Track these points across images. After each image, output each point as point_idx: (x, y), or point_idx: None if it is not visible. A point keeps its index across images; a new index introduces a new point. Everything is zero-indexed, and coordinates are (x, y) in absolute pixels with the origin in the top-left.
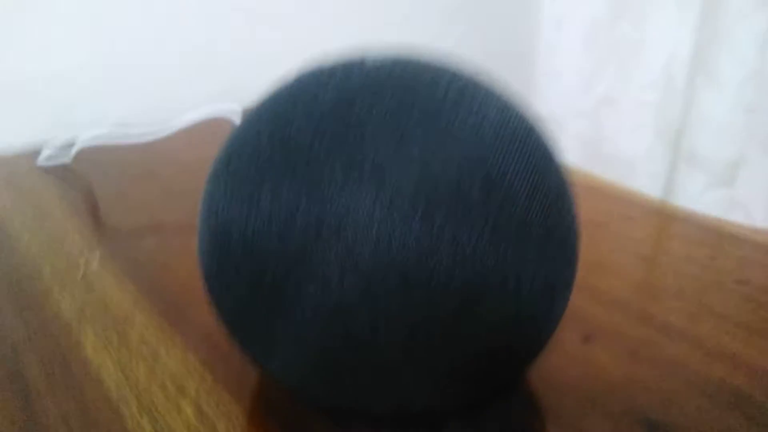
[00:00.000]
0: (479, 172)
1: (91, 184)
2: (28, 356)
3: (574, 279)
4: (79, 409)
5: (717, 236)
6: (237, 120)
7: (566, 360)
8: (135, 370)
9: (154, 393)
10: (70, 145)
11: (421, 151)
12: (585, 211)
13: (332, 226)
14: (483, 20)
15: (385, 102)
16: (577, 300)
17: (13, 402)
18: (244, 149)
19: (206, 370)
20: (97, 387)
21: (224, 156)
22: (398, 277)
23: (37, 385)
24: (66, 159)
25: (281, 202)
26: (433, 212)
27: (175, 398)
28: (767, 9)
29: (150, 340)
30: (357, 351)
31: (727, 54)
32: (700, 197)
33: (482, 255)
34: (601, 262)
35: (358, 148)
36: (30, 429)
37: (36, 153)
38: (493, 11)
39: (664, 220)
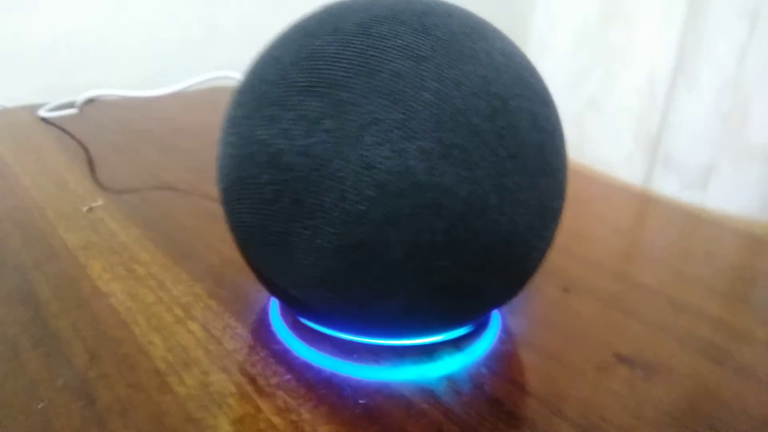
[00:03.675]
0: (486, 99)
1: (89, 140)
2: (39, 280)
3: (561, 211)
4: (91, 326)
5: (689, 217)
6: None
7: (547, 306)
8: (143, 297)
9: (163, 316)
10: (71, 104)
11: (434, 73)
12: (568, 190)
13: (350, 140)
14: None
15: (405, 24)
16: (557, 260)
17: (27, 320)
18: (267, 71)
19: (211, 298)
20: (107, 309)
21: (249, 78)
22: (409, 185)
23: (48, 306)
24: (66, 114)
25: (304, 122)
26: (443, 132)
27: (183, 320)
28: (748, 21)
29: (156, 273)
30: (369, 252)
31: (708, 62)
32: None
33: (483, 175)
34: (581, 232)
35: (378, 61)
36: (44, 344)
37: (37, 108)
38: (487, 8)
39: (641, 201)
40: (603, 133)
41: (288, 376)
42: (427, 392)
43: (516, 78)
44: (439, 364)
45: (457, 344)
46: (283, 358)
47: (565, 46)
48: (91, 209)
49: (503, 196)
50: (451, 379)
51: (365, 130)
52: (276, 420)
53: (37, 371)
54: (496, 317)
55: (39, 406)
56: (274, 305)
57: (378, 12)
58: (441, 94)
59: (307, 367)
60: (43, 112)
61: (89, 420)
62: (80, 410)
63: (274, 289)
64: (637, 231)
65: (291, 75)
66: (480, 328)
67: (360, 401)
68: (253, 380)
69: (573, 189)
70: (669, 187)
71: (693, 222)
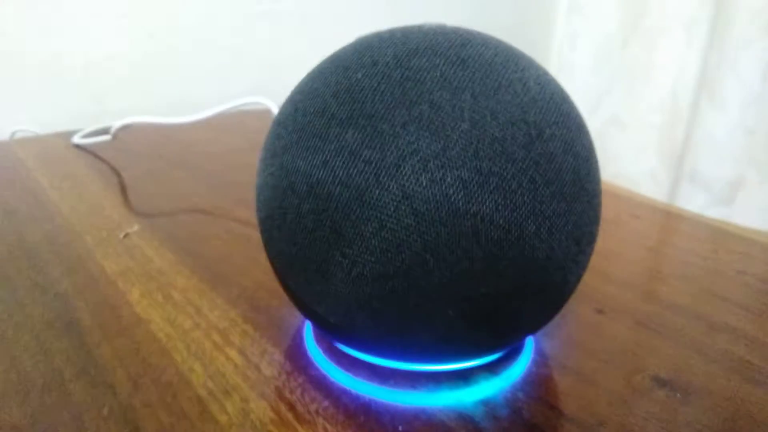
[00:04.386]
0: (522, 128)
1: (123, 166)
2: (79, 308)
3: (596, 235)
4: (134, 353)
5: (719, 234)
6: (271, 111)
7: (581, 328)
8: (181, 323)
9: (201, 342)
10: (105, 130)
11: (471, 103)
12: None
13: (390, 170)
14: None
15: (441, 56)
16: (589, 280)
17: (71, 348)
18: (308, 102)
19: (248, 324)
20: (148, 336)
21: (289, 110)
22: (447, 213)
23: (92, 333)
24: (99, 142)
25: (344, 152)
26: (481, 161)
27: (221, 346)
28: None
29: (193, 299)
30: (407, 279)
31: (731, 78)
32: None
33: (520, 203)
34: (611, 251)
35: (417, 94)
36: (89, 373)
37: (72, 135)
38: (509, 29)
39: (669, 219)
40: (627, 150)
41: (326, 403)
42: (465, 417)
43: (551, 106)
44: (475, 389)
45: (492, 368)
46: (320, 383)
47: (587, 63)
48: (127, 235)
49: (540, 223)
50: (488, 404)
51: (404, 160)
52: None
53: (83, 400)
54: (530, 341)
55: None
56: (308, 329)
57: (415, 44)
58: (478, 123)
59: (345, 393)
60: (77, 139)
61: None
62: None
63: (311, 315)
64: (667, 249)
65: (331, 107)
66: (514, 351)
67: (399, 428)
68: (292, 407)
69: (602, 208)
70: (695, 203)
71: (722, 238)
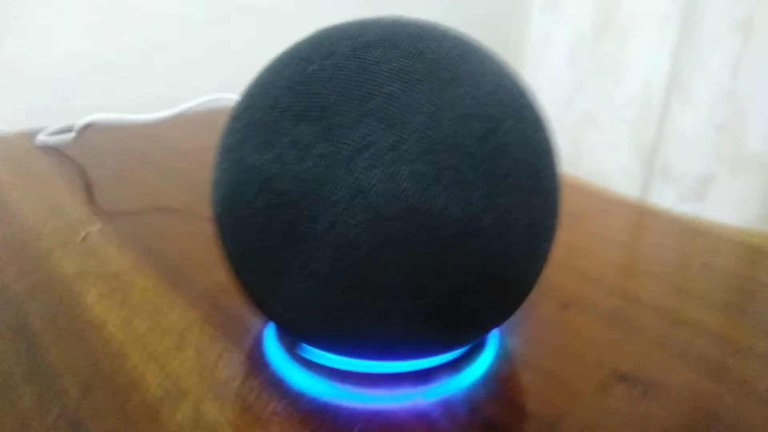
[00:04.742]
0: (477, 121)
1: (88, 165)
2: (32, 311)
3: (555, 230)
4: (86, 357)
5: (686, 228)
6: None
7: (545, 323)
8: (138, 324)
9: (158, 344)
10: (69, 128)
11: (427, 96)
12: (563, 203)
13: (343, 164)
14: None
15: (398, 48)
16: (554, 275)
17: (20, 352)
18: (262, 95)
19: (208, 324)
20: (102, 339)
21: (243, 104)
22: (402, 208)
23: (42, 337)
24: (63, 140)
25: (297, 147)
26: (436, 154)
27: (178, 348)
28: (741, 33)
29: (151, 299)
30: (362, 275)
31: (702, 75)
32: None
33: (476, 197)
34: (577, 246)
35: (373, 86)
36: (38, 377)
37: (34, 134)
38: (483, 25)
39: (638, 214)
40: (599, 146)
41: (283, 403)
42: (423, 417)
43: (508, 99)
44: (435, 388)
45: (453, 367)
46: (278, 384)
47: (560, 60)
48: (86, 236)
49: (496, 217)
50: (446, 403)
51: (358, 153)
52: None
53: (30, 405)
54: (493, 336)
55: None
56: (269, 330)
57: (372, 37)
58: (434, 116)
59: (303, 394)
60: (41, 137)
61: None
62: None
63: (269, 313)
64: (635, 244)
65: (285, 100)
66: (477, 348)
67: (355, 428)
68: (248, 408)
69: (570, 203)
70: (667, 198)
71: (690, 234)
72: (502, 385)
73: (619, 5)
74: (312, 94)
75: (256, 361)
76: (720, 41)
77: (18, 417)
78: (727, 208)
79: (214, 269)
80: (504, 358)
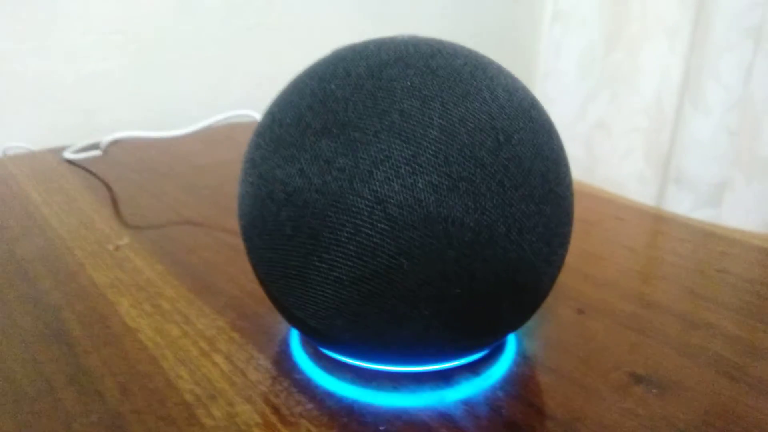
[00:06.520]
0: (490, 134)
1: (113, 180)
2: (70, 319)
3: (569, 237)
4: (122, 361)
5: (701, 234)
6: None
7: (562, 328)
8: (169, 331)
9: (188, 349)
10: (95, 145)
11: (441, 111)
12: (578, 212)
13: (363, 177)
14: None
15: (412, 67)
16: (570, 281)
17: (63, 357)
18: (285, 113)
19: (235, 331)
20: (136, 344)
21: (267, 121)
22: (419, 217)
23: (81, 343)
24: (90, 157)
25: (319, 161)
26: (450, 166)
27: (208, 353)
28: (751, 40)
29: (181, 308)
30: (383, 282)
31: (714, 82)
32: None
33: (489, 206)
34: (593, 252)
35: (389, 103)
36: (78, 380)
37: (61, 151)
38: (494, 39)
39: (652, 221)
40: (613, 154)
41: (310, 405)
42: (446, 417)
43: (519, 112)
44: (456, 388)
45: (474, 369)
46: (305, 387)
47: (572, 70)
48: (117, 248)
49: (510, 225)
50: (468, 403)
51: (376, 166)
52: None
53: (72, 408)
54: (512, 340)
55: None
56: (294, 335)
57: (387, 56)
58: (447, 130)
59: (329, 395)
60: (68, 154)
61: None
62: None
63: (293, 320)
64: (651, 250)
65: (306, 117)
66: (496, 351)
67: (380, 428)
68: (277, 410)
69: (585, 210)
70: (683, 205)
71: (705, 239)
72: (521, 386)
73: (628, 15)
74: (332, 111)
75: (283, 365)
76: (731, 48)
77: (61, 419)
78: (742, 214)
79: (238, 279)
80: (523, 360)
